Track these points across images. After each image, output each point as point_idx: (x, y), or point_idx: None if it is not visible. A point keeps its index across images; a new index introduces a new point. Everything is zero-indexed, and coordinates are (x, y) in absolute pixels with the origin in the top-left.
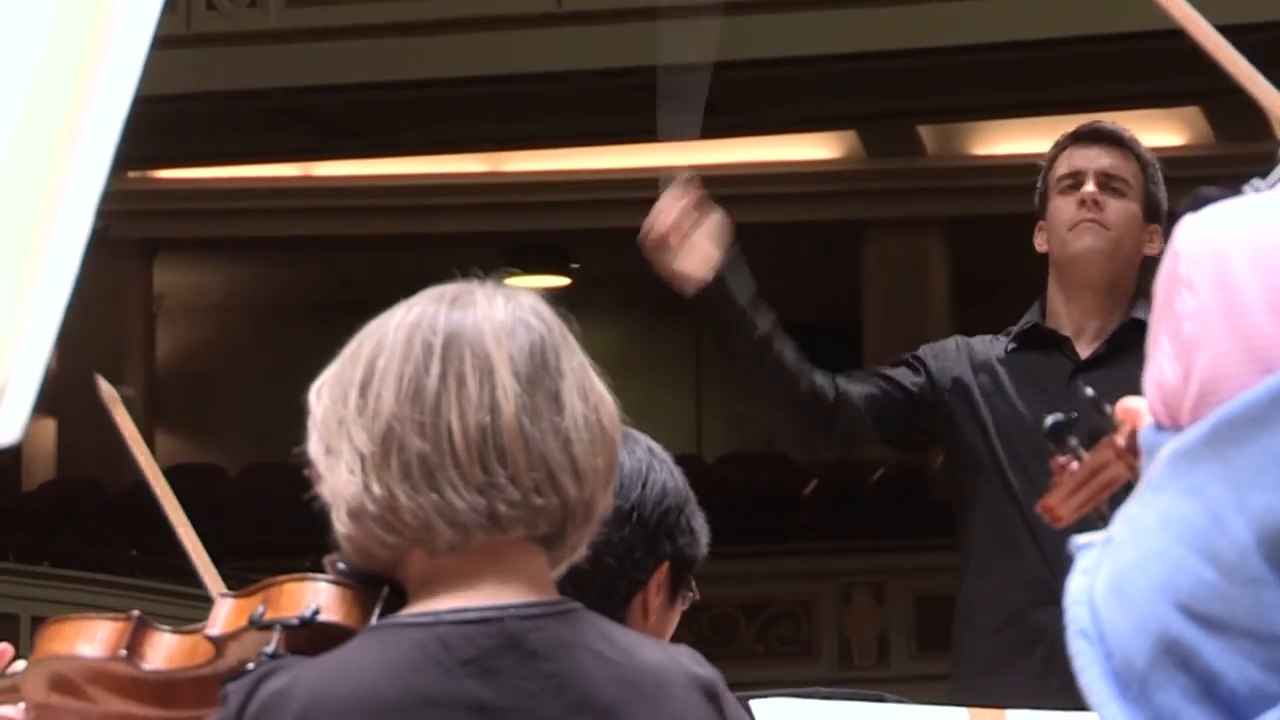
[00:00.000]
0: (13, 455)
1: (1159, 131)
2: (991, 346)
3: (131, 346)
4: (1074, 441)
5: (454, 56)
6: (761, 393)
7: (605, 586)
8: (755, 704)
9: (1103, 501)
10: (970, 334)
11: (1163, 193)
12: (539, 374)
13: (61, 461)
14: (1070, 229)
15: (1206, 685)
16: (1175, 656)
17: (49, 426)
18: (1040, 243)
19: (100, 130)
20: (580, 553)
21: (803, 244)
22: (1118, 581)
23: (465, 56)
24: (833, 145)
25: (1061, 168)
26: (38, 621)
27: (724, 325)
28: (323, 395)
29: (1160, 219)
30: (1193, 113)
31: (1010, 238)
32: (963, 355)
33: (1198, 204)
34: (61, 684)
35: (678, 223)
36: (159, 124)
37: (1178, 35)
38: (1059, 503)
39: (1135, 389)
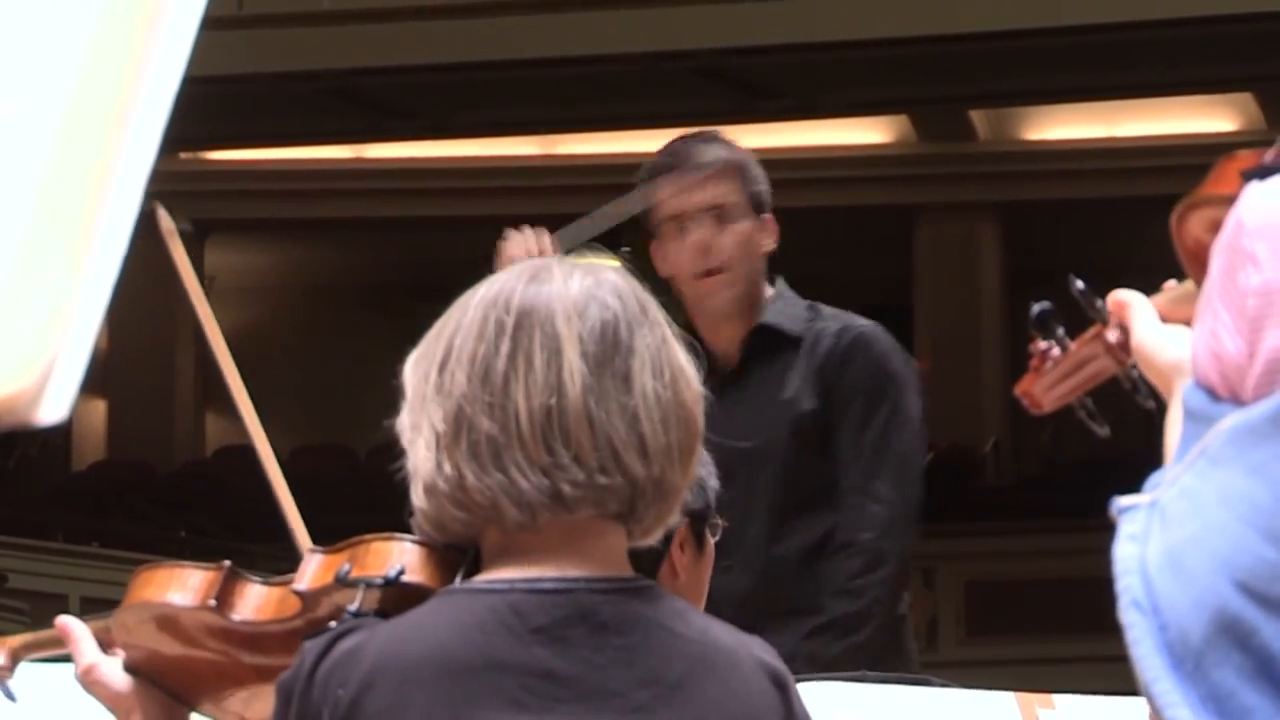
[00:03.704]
0: (63, 436)
1: (1211, 117)
2: None
3: (182, 328)
4: (1061, 331)
5: (508, 38)
6: None
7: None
8: (804, 687)
9: (1084, 395)
10: (1021, 320)
11: (763, 180)
12: (608, 353)
13: (111, 442)
14: (696, 279)
15: (1263, 665)
16: (1233, 635)
17: (99, 407)
18: (660, 263)
19: (151, 111)
20: (673, 522)
21: (854, 228)
22: (1175, 554)
23: (519, 38)
24: (885, 130)
25: (662, 210)
26: (87, 602)
27: None
28: (412, 371)
29: (766, 207)
30: (1245, 99)
31: (1061, 223)
32: None
33: (1265, 173)
34: (159, 624)
35: None
36: (211, 105)
37: (1231, 21)
38: (1042, 391)
39: (770, 394)
